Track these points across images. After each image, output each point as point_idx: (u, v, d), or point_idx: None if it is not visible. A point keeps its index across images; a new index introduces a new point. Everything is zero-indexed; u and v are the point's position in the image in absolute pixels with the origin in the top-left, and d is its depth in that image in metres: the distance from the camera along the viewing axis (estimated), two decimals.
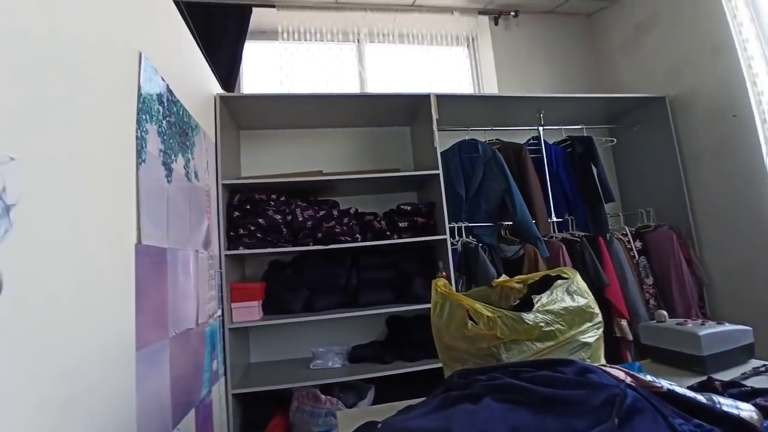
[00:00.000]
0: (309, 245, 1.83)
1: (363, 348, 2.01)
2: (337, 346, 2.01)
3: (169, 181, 1.22)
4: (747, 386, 0.97)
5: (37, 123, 0.66)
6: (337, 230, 1.83)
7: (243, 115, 2.09)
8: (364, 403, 1.87)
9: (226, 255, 1.75)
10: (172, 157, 1.26)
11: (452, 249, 1.91)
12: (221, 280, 1.72)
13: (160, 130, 1.17)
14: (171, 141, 1.26)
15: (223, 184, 1.77)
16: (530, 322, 0.86)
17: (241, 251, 1.78)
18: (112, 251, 0.88)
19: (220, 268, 1.73)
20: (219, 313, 1.70)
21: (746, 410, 0.60)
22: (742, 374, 1.09)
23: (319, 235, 1.83)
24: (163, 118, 1.21)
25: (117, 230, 0.91)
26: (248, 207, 1.82)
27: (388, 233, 1.93)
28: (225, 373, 1.70)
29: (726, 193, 2.07)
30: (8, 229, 0.59)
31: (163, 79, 1.21)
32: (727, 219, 2.08)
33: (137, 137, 1.02)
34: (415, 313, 2.06)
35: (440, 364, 1.81)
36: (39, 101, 0.67)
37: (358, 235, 1.89)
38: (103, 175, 0.86)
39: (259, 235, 1.80)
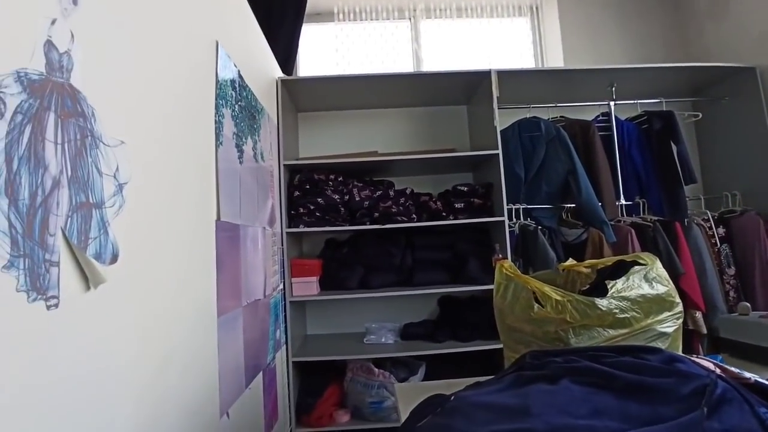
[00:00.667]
0: (366, 224, 1.87)
1: (415, 326, 2.05)
2: (390, 323, 2.07)
3: (240, 162, 1.29)
4: None
5: (137, 110, 0.73)
6: (393, 210, 1.85)
7: (301, 97, 2.14)
8: (415, 379, 1.92)
9: (287, 232, 1.84)
10: (243, 139, 1.34)
11: (509, 231, 1.86)
12: (283, 256, 1.82)
13: (233, 114, 1.24)
14: (242, 124, 1.33)
15: (284, 165, 1.85)
16: (603, 308, 0.83)
17: (301, 229, 1.87)
18: (197, 227, 0.96)
19: (282, 245, 1.83)
20: (281, 286, 1.81)
21: None
22: None
23: (376, 214, 1.86)
24: (236, 102, 1.27)
25: (201, 208, 0.99)
26: (308, 187, 1.89)
27: (443, 214, 1.92)
28: (286, 342, 1.82)
29: None
30: (122, 204, 0.67)
31: (235, 66, 1.28)
32: None
33: (215, 121, 1.09)
34: (468, 294, 2.05)
35: (493, 346, 1.82)
36: (138, 90, 0.73)
37: (414, 215, 1.89)
38: (189, 158, 0.93)
39: (318, 214, 1.87)
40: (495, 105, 1.88)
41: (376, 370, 1.88)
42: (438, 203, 1.95)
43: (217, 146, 1.08)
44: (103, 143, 0.65)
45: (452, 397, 0.59)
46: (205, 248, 0.99)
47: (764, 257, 1.89)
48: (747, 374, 0.55)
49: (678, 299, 0.90)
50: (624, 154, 2.13)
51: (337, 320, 2.24)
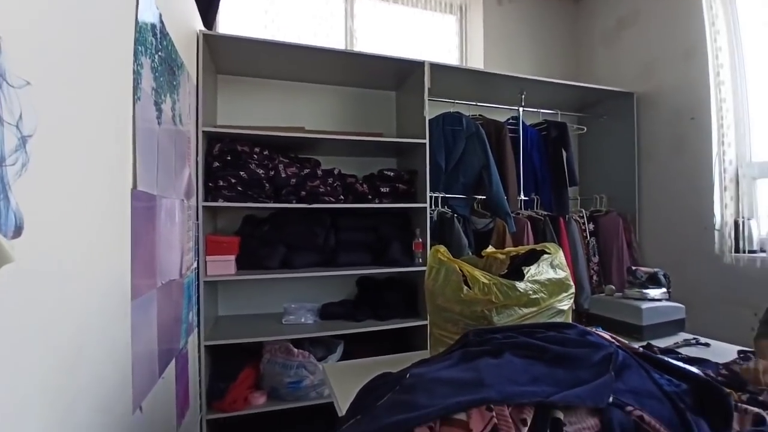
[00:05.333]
0: (292, 203, 1.81)
1: (335, 306, 2.08)
2: (309, 303, 2.06)
3: (159, 123, 1.14)
4: (681, 354, 1.16)
5: (47, 45, 0.60)
6: (321, 190, 1.82)
7: (223, 57, 1.94)
8: (333, 358, 1.96)
9: (203, 206, 1.68)
10: (162, 96, 1.17)
11: (429, 217, 1.99)
12: (198, 232, 1.67)
13: (153, 65, 1.08)
14: (161, 79, 1.17)
15: (203, 131, 1.68)
16: (521, 290, 0.95)
17: (222, 204, 1.73)
18: (111, 195, 0.83)
19: (197, 220, 1.67)
20: (195, 265, 1.66)
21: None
22: (674, 343, 1.29)
23: (303, 193, 1.81)
24: (155, 52, 1.11)
25: (116, 173, 0.86)
26: (229, 158, 1.75)
27: (369, 197, 1.96)
28: (198, 325, 1.69)
29: (671, 189, 2.32)
30: (26, 163, 0.55)
31: (157, 8, 1.10)
32: (668, 210, 2.34)
33: (134, 71, 0.94)
34: (386, 275, 2.14)
35: (409, 324, 1.94)
36: (50, 21, 0.60)
37: (341, 197, 1.89)
38: (104, 112, 0.80)
39: (239, 188, 1.74)
40: (426, 96, 1.95)
41: (296, 350, 1.86)
42: (364, 186, 1.97)
43: (134, 101, 0.94)
44: (6, 82, 0.52)
45: (407, 375, 0.64)
46: (119, 221, 0.86)
47: (620, 250, 2.35)
48: (635, 344, 0.70)
49: (571, 282, 1.08)
50: (526, 155, 2.41)
51: (253, 300, 2.15)
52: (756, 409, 0.63)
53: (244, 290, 2.13)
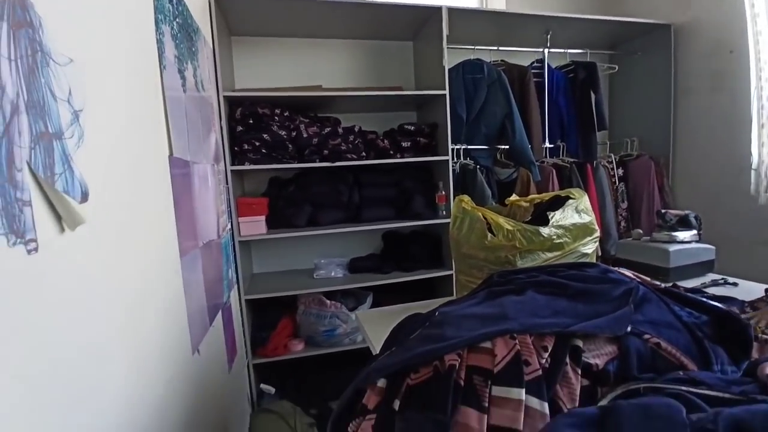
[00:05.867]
0: (315, 162, 1.85)
1: (362, 260, 2.17)
2: (337, 258, 2.16)
3: (184, 91, 1.17)
4: (708, 293, 1.18)
5: (82, 21, 0.63)
6: (342, 148, 1.85)
7: (236, 18, 1.92)
8: (364, 308, 2.07)
9: (232, 170, 1.75)
10: (184, 63, 1.20)
11: (451, 170, 1.99)
12: (229, 195, 1.74)
13: (172, 32, 1.09)
14: (182, 46, 1.19)
15: (224, 96, 1.70)
16: (545, 235, 0.98)
17: (248, 167, 1.78)
18: (153, 162, 0.90)
19: (227, 184, 1.74)
20: (229, 226, 1.76)
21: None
22: (702, 284, 1.30)
23: (325, 152, 1.84)
24: (173, 19, 1.12)
25: (154, 141, 0.91)
26: (251, 122, 1.78)
27: (391, 152, 1.97)
28: (237, 282, 1.82)
29: (708, 127, 2.20)
30: (81, 135, 0.60)
31: None
32: (703, 151, 2.23)
33: (157, 40, 0.96)
34: (410, 229, 2.20)
35: (434, 274, 2.01)
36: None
37: (363, 153, 1.91)
38: (137, 83, 0.84)
39: (264, 150, 1.79)
40: (444, 44, 1.88)
41: (328, 301, 1.98)
42: (385, 141, 1.98)
43: (161, 70, 0.97)
44: (54, 60, 0.56)
45: (436, 313, 0.69)
46: (162, 186, 0.93)
47: (651, 195, 2.29)
48: (657, 282, 0.72)
49: (596, 227, 1.09)
50: (552, 100, 2.32)
51: (285, 258, 2.26)
52: None
53: (276, 249, 2.24)
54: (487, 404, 0.51)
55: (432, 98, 2.02)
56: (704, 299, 0.70)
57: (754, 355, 0.64)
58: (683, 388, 0.49)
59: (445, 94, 1.91)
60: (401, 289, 2.09)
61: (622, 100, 2.67)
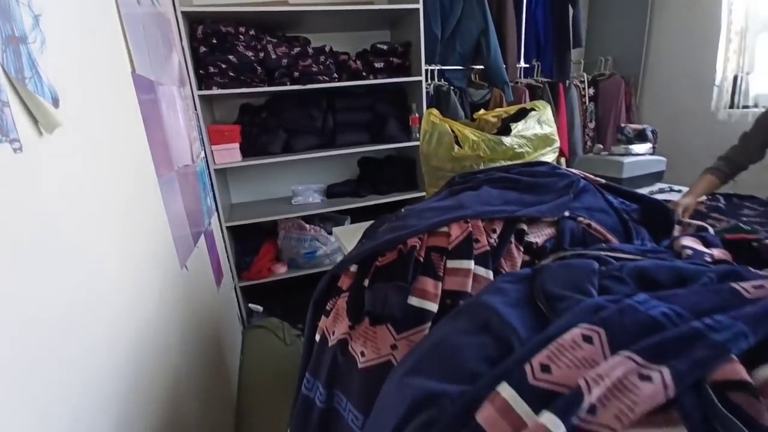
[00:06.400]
0: (286, 85, 1.80)
1: (339, 186, 2.22)
2: (315, 185, 2.20)
3: (138, 2, 1.10)
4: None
5: None
6: (313, 69, 1.80)
7: None
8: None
9: (199, 95, 1.69)
10: None
11: (425, 92, 1.98)
12: (199, 122, 1.71)
13: None
14: None
15: (182, 12, 1.59)
16: (508, 144, 1.04)
17: (216, 91, 1.73)
18: (116, 76, 0.88)
19: (196, 110, 1.70)
20: (203, 154, 1.75)
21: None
22: (649, 192, 1.43)
23: (296, 74, 1.79)
24: None
25: (114, 56, 0.89)
26: (215, 41, 1.69)
27: (364, 74, 1.93)
28: (217, 209, 1.85)
29: (679, 45, 2.22)
30: (43, 41, 0.60)
31: None
32: (671, 70, 2.27)
33: None
34: (386, 153, 2.24)
35: (409, 196, 2.09)
36: None
37: (335, 75, 1.86)
38: None
39: (231, 74, 1.73)
40: None
41: (307, 225, 2.07)
42: (358, 62, 1.93)
43: None
44: None
45: (402, 210, 0.77)
46: (128, 102, 0.92)
47: (618, 114, 2.36)
48: (599, 179, 0.81)
49: (557, 138, 1.16)
50: (530, 15, 2.26)
51: (262, 187, 2.29)
52: (699, 222, 0.76)
53: (252, 177, 2.26)
54: (442, 274, 0.60)
55: (405, 14, 1.94)
56: (636, 191, 0.80)
57: (676, 233, 0.76)
58: (602, 252, 0.59)
59: (418, 9, 1.84)
60: (377, 212, 2.18)
61: (600, 17, 2.61)
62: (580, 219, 0.68)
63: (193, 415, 1.02)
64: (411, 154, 2.15)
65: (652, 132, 1.57)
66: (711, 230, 0.71)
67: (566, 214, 0.69)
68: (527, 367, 0.38)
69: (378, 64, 1.93)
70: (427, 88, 2.00)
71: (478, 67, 2.18)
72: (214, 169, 1.82)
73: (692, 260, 0.57)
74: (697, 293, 0.42)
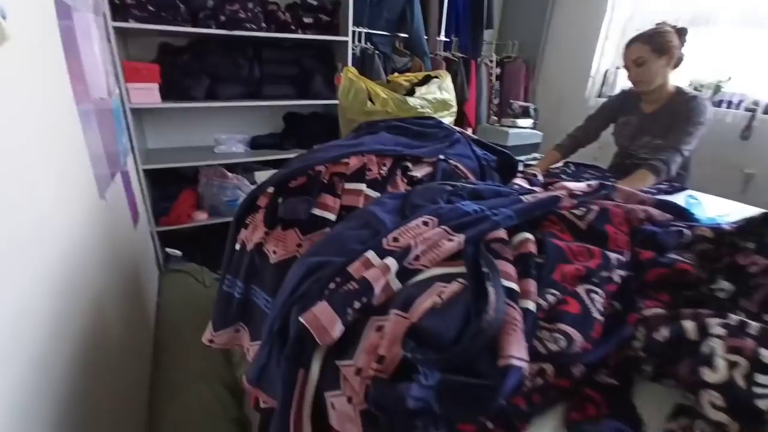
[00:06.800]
0: (211, 28, 1.78)
1: (263, 138, 2.27)
2: (238, 135, 2.22)
3: None
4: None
5: None
6: (241, 16, 1.79)
7: None
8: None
9: (114, 27, 1.61)
10: None
11: (351, 53, 2.09)
12: (113, 56, 1.64)
13: None
14: None
15: None
16: (412, 104, 1.23)
17: (133, 25, 1.66)
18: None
19: (110, 42, 1.62)
20: (117, 91, 1.69)
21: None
22: (525, 158, 1.74)
23: (222, 18, 1.77)
24: None
25: None
26: None
27: (292, 27, 1.96)
28: (133, 150, 1.81)
29: (570, 37, 2.58)
30: None
31: None
32: (561, 59, 2.65)
33: None
34: (311, 109, 2.32)
35: None
36: None
37: (263, 24, 1.88)
38: None
39: (150, 8, 1.66)
40: None
41: (230, 174, 2.11)
42: (287, 15, 1.96)
43: None
44: None
45: (314, 147, 0.92)
46: (45, 22, 0.92)
47: (518, 93, 2.71)
48: (474, 136, 1.04)
49: (454, 103, 1.38)
50: None
51: (181, 133, 2.24)
52: (532, 171, 1.03)
53: (172, 122, 2.20)
54: (340, 193, 0.78)
55: None
56: (496, 145, 1.04)
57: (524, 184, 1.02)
58: (458, 184, 0.81)
59: None
60: None
61: (512, 3, 2.90)
62: (451, 161, 0.90)
63: (115, 340, 1.10)
64: (335, 112, 2.26)
65: (534, 110, 1.89)
66: (539, 176, 0.98)
67: (441, 157, 0.90)
68: (384, 240, 0.57)
69: (307, 20, 1.98)
70: (353, 49, 2.11)
71: (403, 35, 2.33)
72: (130, 109, 1.76)
73: (517, 190, 0.82)
74: (497, 200, 0.66)
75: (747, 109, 1.82)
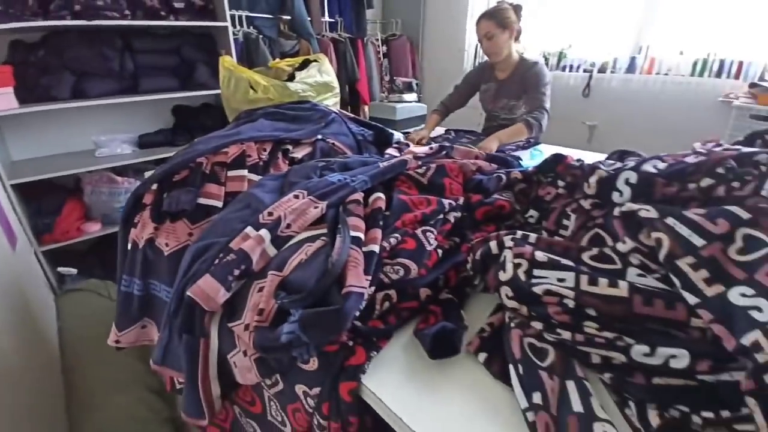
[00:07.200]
0: (66, 19, 1.61)
1: (152, 135, 2.14)
2: (122, 135, 2.07)
3: None
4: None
5: None
6: (99, 3, 1.64)
7: None
8: None
9: None
10: None
11: (234, 39, 2.04)
12: None
13: None
14: None
15: None
16: (293, 89, 1.29)
17: None
18: None
19: None
20: None
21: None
22: (413, 129, 1.90)
23: (77, 7, 1.61)
24: None
25: None
26: None
27: (162, 13, 1.85)
28: None
29: (444, 14, 2.78)
30: None
31: None
32: (439, 35, 2.85)
33: None
34: (200, 101, 2.23)
35: None
36: None
37: (127, 12, 1.74)
38: None
39: None
40: None
41: (119, 178, 1.97)
42: (153, 0, 1.84)
43: None
44: None
45: (195, 140, 0.95)
46: None
47: (407, 69, 2.87)
48: (350, 114, 1.14)
49: (336, 84, 1.46)
50: None
51: (51, 140, 2.01)
52: (405, 141, 1.17)
53: (38, 127, 1.96)
54: (224, 181, 0.83)
55: None
56: (372, 122, 1.16)
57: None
58: (332, 160, 0.91)
59: None
60: None
61: None
62: (328, 140, 1.00)
63: (15, 372, 1.03)
64: None
65: (417, 85, 2.05)
66: (411, 146, 1.12)
67: (319, 137, 0.99)
68: (260, 215, 0.65)
69: (178, 4, 1.88)
70: (235, 34, 2.06)
71: (286, 17, 2.32)
72: None
73: (383, 159, 0.94)
74: (361, 168, 0.77)
75: (585, 71, 2.18)
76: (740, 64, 1.90)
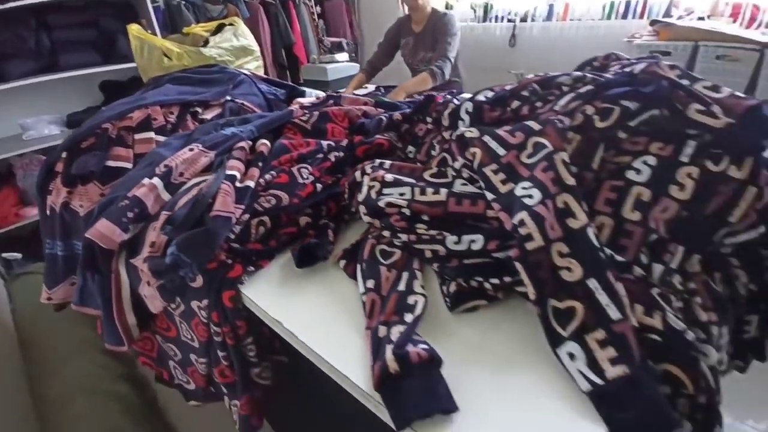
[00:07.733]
0: None
1: (81, 113, 2.09)
2: (48, 115, 2.02)
3: None
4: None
5: None
6: None
7: None
8: None
9: None
10: None
11: (154, 6, 1.98)
12: None
13: None
14: None
15: None
16: (208, 54, 1.32)
17: None
18: None
19: None
20: None
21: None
22: (344, 89, 1.95)
23: None
24: None
25: None
26: None
27: None
28: None
29: None
30: None
31: None
32: None
33: None
34: (129, 74, 2.18)
35: None
36: None
37: None
38: None
39: None
40: None
41: None
42: None
43: None
44: None
45: (102, 108, 0.99)
46: None
47: (345, 31, 2.86)
48: (262, 75, 1.19)
49: (256, 48, 1.49)
50: None
51: None
52: (318, 92, 1.24)
53: None
54: (131, 144, 0.89)
55: None
56: (283, 81, 1.22)
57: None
58: (233, 118, 0.98)
59: None
60: None
61: None
62: (237, 101, 1.06)
63: None
64: None
65: (347, 44, 2.09)
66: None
67: (228, 98, 1.05)
68: (156, 168, 0.73)
69: None
70: (155, 1, 2.00)
71: None
72: None
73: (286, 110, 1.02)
74: (255, 122, 0.85)
75: (509, 20, 2.27)
76: (645, 3, 2.03)
